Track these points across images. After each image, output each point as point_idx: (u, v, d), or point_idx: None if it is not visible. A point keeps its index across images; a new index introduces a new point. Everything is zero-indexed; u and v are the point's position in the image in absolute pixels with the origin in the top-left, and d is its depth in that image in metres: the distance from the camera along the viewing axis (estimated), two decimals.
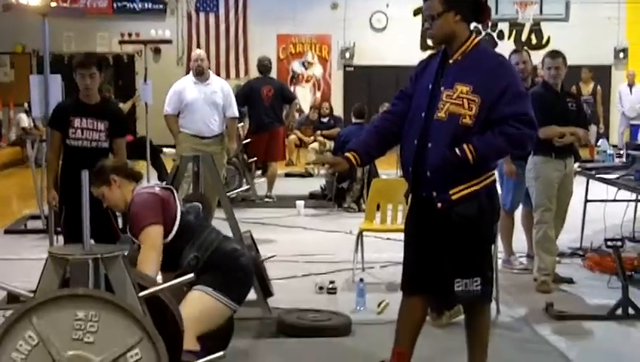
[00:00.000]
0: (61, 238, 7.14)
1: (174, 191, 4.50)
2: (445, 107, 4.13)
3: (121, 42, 17.89)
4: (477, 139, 4.11)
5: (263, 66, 11.94)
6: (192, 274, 3.02)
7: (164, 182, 4.61)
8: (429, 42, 4.63)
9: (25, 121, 16.65)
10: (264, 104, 11.48)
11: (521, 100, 4.14)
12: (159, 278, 4.18)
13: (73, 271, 2.54)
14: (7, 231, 9.37)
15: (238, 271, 4.48)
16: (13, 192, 13.64)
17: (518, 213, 7.54)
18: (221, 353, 2.88)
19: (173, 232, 4.33)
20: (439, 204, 4.19)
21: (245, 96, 11.29)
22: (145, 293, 2.71)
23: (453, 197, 4.16)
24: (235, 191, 8.25)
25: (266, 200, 11.66)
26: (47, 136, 6.65)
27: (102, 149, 6.05)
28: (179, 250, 4.36)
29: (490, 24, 19.93)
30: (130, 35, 19.78)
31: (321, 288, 6.63)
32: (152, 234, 4.19)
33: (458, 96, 4.10)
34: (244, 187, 9.85)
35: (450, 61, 4.22)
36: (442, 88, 4.16)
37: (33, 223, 9.62)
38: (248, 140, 11.76)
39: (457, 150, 4.10)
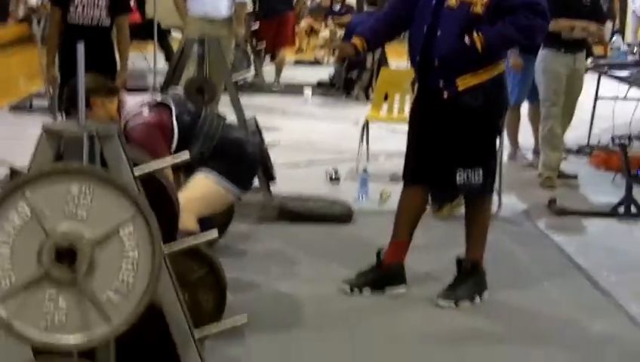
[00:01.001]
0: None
1: (164, 102, 4.35)
2: None
3: None
4: (486, 28, 4.04)
5: None
6: (186, 151, 2.98)
7: (152, 98, 4.36)
8: None
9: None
10: None
11: None
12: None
13: (67, 146, 2.51)
14: (12, 108, 9.34)
15: (243, 159, 4.43)
16: (20, 70, 13.54)
17: (526, 109, 7.49)
18: (214, 230, 2.87)
19: (175, 142, 4.23)
20: (445, 94, 4.15)
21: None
22: (140, 172, 2.69)
23: (460, 87, 4.12)
24: (241, 75, 8.15)
25: (273, 88, 11.59)
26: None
27: (103, 28, 5.96)
28: (186, 148, 4.26)
29: None
30: None
31: (331, 178, 6.63)
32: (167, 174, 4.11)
33: None
34: (250, 72, 9.72)
35: None
36: None
37: (38, 102, 9.59)
38: (258, 25, 11.61)
39: (467, 38, 4.04)
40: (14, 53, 15.24)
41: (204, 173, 4.28)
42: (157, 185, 2.92)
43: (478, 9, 4.05)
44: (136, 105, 4.27)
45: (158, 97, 4.45)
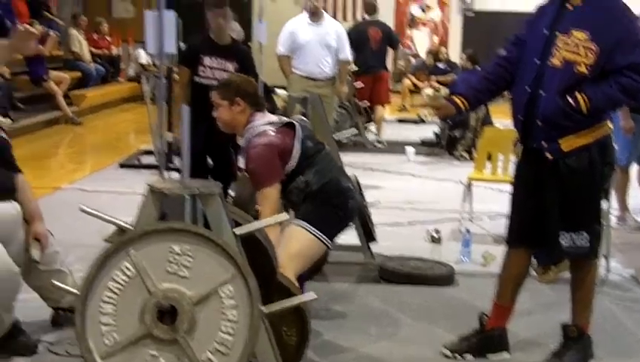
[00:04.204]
0: (173, 174, 7.29)
1: (292, 123, 4.38)
2: (560, 54, 3.99)
3: None
4: (591, 88, 3.97)
5: (369, 5, 11.78)
6: (285, 214, 3.00)
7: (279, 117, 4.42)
8: None
9: (143, 57, 16.90)
10: (371, 47, 11.40)
11: (638, 50, 3.97)
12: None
13: (171, 205, 2.57)
14: (122, 165, 9.60)
15: (342, 210, 4.39)
16: (130, 127, 13.97)
17: (636, 171, 7.31)
18: (312, 293, 2.87)
19: (293, 164, 4.26)
20: (549, 155, 4.07)
21: (353, 39, 11.25)
22: (240, 231, 2.72)
23: (564, 147, 4.04)
24: (344, 135, 8.20)
25: (377, 145, 11.64)
26: (173, 74, 6.71)
27: None
28: (296, 175, 4.29)
29: None
30: None
31: (433, 238, 6.57)
32: (271, 196, 4.13)
33: (575, 43, 3.96)
34: (352, 131, 9.76)
35: (570, 7, 4.06)
36: (558, 34, 4.02)
37: (147, 158, 9.83)
38: (360, 84, 11.70)
39: (570, 99, 3.97)
40: (125, 111, 15.76)
41: (300, 225, 4.25)
42: (256, 245, 2.94)
43: (583, 69, 3.98)
44: (263, 122, 4.32)
45: (285, 118, 4.48)
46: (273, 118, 4.40)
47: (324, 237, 4.26)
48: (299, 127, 4.35)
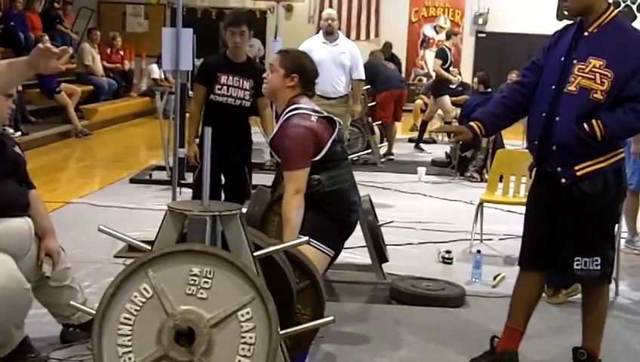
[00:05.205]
0: (184, 191, 7.32)
1: (332, 121, 4.42)
2: (577, 81, 4.00)
3: None
4: (606, 115, 3.98)
5: (387, 47, 12.14)
6: (306, 238, 3.01)
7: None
8: (566, 12, 4.53)
9: (156, 72, 16.99)
10: (389, 68, 11.69)
11: None
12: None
13: (191, 226, 2.57)
14: (132, 181, 9.63)
15: (343, 223, 4.40)
16: (141, 142, 14.02)
17: None
18: (331, 318, 2.87)
19: (319, 157, 4.28)
20: (563, 180, 4.09)
21: (369, 68, 11.51)
22: (259, 253, 2.73)
23: (578, 173, 4.05)
24: (358, 153, 8.24)
25: (388, 157, 11.94)
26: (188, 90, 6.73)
27: (244, 108, 6.15)
28: (314, 172, 4.30)
29: None
30: None
31: (444, 258, 6.57)
32: (299, 178, 4.18)
33: (591, 70, 3.98)
34: (365, 149, 9.88)
35: (586, 33, 4.09)
36: (575, 61, 4.04)
37: (158, 174, 9.86)
38: (374, 103, 11.80)
39: (586, 125, 3.98)
40: (136, 126, 15.81)
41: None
42: (275, 267, 2.95)
43: (599, 96, 3.99)
44: (310, 107, 4.36)
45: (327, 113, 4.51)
46: (317, 107, 4.43)
47: (327, 248, 4.30)
48: (338, 127, 4.40)
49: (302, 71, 4.39)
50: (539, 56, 4.32)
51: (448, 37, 13.33)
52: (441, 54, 13.08)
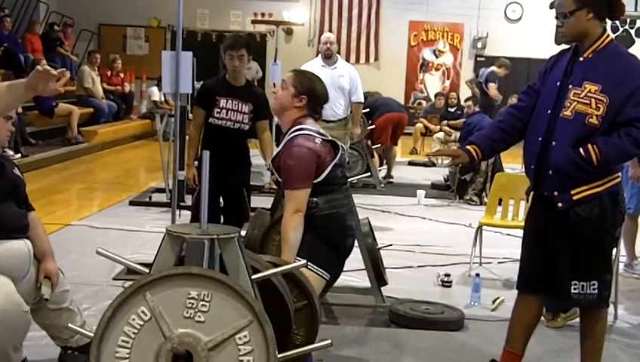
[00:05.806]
0: (184, 213, 7.33)
1: (335, 145, 4.45)
2: (572, 105, 4.03)
3: (254, 22, 18.07)
4: (602, 140, 3.99)
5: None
6: (304, 261, 3.02)
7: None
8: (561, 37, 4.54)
9: (156, 94, 17.03)
10: (386, 98, 11.99)
11: None
12: None
13: (189, 249, 2.59)
14: (132, 203, 9.64)
15: (339, 248, 4.42)
16: (141, 164, 14.03)
17: None
18: (329, 341, 2.88)
19: (319, 180, 4.30)
20: (560, 204, 4.10)
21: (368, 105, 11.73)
22: (257, 276, 2.74)
23: (575, 197, 4.06)
24: (358, 176, 8.26)
25: (388, 179, 12.05)
26: (185, 113, 6.75)
27: (243, 131, 6.19)
28: (312, 194, 4.32)
29: (628, 20, 19.26)
30: (263, 14, 20.00)
31: (443, 282, 6.57)
32: (300, 197, 4.21)
33: (586, 95, 4.00)
34: (364, 173, 9.92)
35: (581, 58, 4.11)
36: (570, 86, 4.06)
37: (158, 196, 9.86)
38: (373, 126, 11.85)
39: (582, 150, 4.00)
40: (136, 148, 15.83)
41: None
42: (273, 290, 2.96)
43: (594, 120, 4.01)
44: (315, 129, 4.39)
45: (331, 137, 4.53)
46: (322, 130, 4.46)
47: (322, 271, 4.30)
48: (340, 152, 4.44)
49: (312, 94, 4.44)
50: (535, 81, 4.34)
51: (500, 66, 13.48)
52: (493, 79, 13.24)
